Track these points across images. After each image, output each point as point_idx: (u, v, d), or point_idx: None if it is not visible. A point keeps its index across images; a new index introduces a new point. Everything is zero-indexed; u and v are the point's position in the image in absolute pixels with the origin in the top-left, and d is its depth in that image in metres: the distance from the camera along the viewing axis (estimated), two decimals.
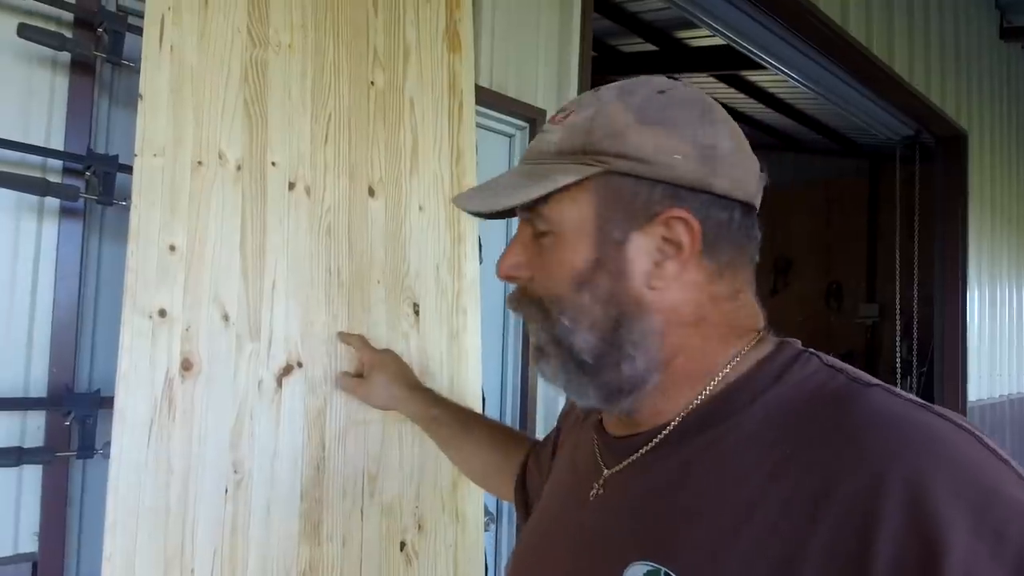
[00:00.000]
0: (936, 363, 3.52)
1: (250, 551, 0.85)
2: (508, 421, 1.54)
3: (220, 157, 0.89)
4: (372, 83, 1.08)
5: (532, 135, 1.54)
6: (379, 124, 1.07)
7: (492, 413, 1.53)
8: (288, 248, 0.93)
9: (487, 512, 1.49)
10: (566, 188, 0.49)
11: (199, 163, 0.88)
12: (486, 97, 1.41)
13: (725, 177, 0.48)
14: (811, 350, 0.50)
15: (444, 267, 1.14)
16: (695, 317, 0.49)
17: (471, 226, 1.20)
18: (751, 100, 5.75)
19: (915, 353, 4.08)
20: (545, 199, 0.50)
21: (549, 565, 0.55)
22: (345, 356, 0.98)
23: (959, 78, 3.57)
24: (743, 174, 0.49)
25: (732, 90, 6.22)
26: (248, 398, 0.87)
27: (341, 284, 0.98)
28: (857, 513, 0.38)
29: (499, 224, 1.52)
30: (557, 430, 0.74)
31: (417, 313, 1.08)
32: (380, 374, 0.94)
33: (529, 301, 0.53)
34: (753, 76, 5.28)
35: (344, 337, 0.97)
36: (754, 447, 0.45)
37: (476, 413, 1.02)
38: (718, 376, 0.49)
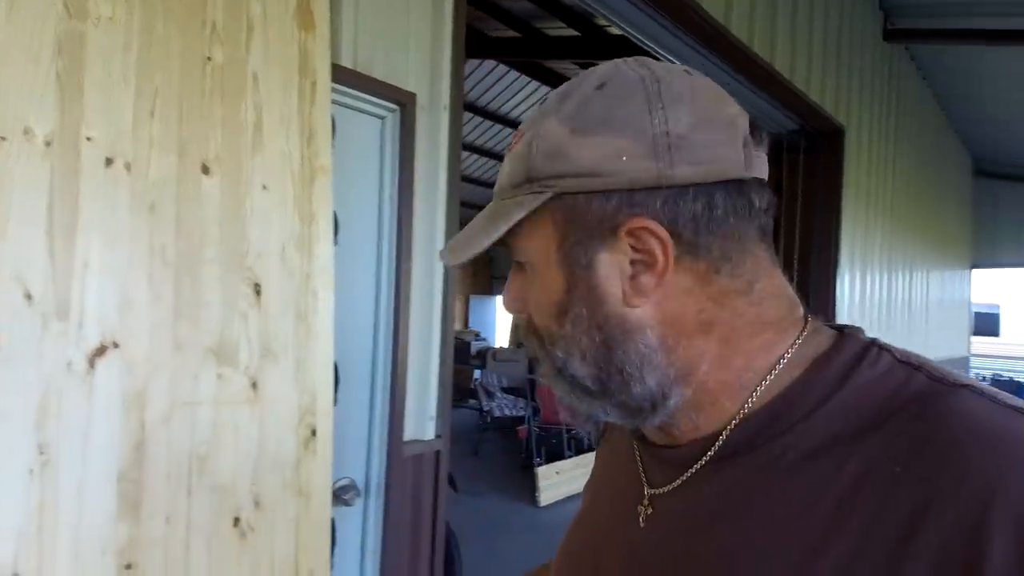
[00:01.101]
0: None
1: (59, 530, 0.85)
2: (379, 396, 1.57)
3: (26, 132, 0.86)
4: (209, 58, 1.06)
5: (404, 118, 1.55)
6: (216, 100, 1.06)
7: (362, 388, 1.55)
8: (104, 225, 0.91)
9: (354, 486, 1.53)
10: (525, 221, 0.45)
11: (2, 139, 0.84)
12: (350, 78, 1.40)
13: (687, 163, 0.41)
14: (879, 341, 0.43)
15: (292, 247, 1.14)
16: (700, 324, 0.44)
17: (324, 206, 1.20)
18: None
19: None
20: (511, 234, 0.47)
21: None
22: (168, 335, 0.97)
23: (839, 76, 3.82)
24: (711, 151, 0.42)
25: None
26: (55, 379, 0.85)
27: (167, 263, 0.97)
28: (958, 546, 0.33)
29: (364, 205, 1.53)
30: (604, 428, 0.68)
31: (259, 294, 1.08)
32: None
33: (531, 333, 0.50)
34: None
35: None
36: (820, 465, 0.39)
37: None
38: (765, 381, 0.43)
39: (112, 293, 0.91)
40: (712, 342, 0.44)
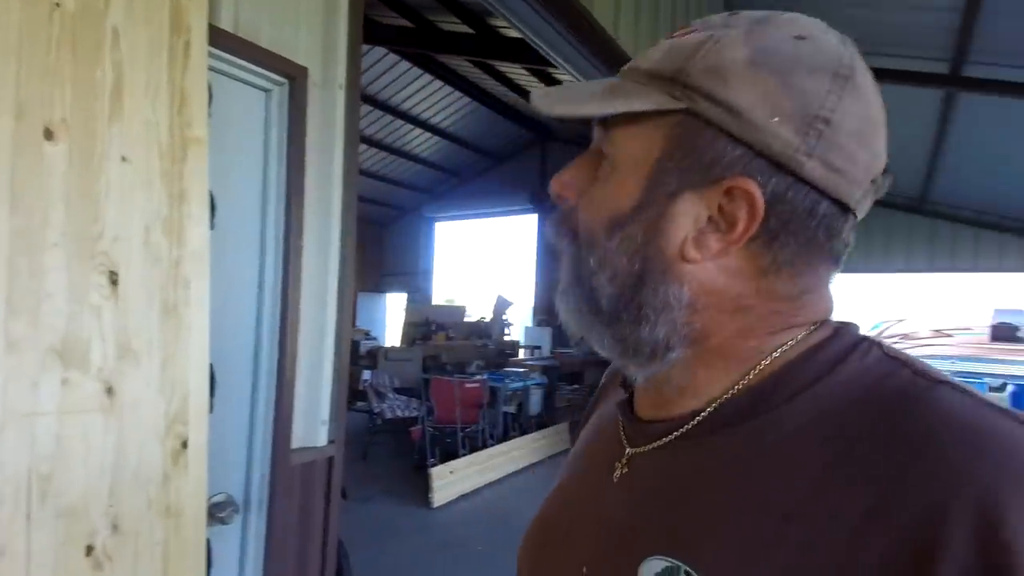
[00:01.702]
0: None
1: None
2: (262, 400, 1.42)
3: None
4: (58, 4, 0.89)
5: (294, 93, 1.41)
6: (65, 55, 0.89)
7: (242, 392, 1.40)
8: None
9: (232, 502, 1.37)
10: (638, 115, 0.42)
11: None
12: (230, 42, 1.26)
13: (822, 161, 0.39)
14: (872, 337, 0.43)
15: (158, 230, 0.99)
16: (734, 306, 0.43)
17: (197, 183, 1.06)
18: None
19: None
20: (616, 120, 0.43)
21: (568, 546, 0.49)
22: (0, 328, 0.80)
23: None
24: (849, 166, 0.40)
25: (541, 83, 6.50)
26: None
27: None
28: (917, 537, 0.33)
29: (245, 185, 1.38)
30: (595, 402, 0.65)
31: (115, 283, 0.93)
32: None
33: (567, 230, 0.46)
34: (559, 73, 5.56)
35: None
36: (800, 445, 0.39)
37: None
38: (764, 362, 0.43)
39: None
40: (735, 323, 0.43)
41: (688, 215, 0.42)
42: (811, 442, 0.39)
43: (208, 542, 1.08)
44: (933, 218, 8.92)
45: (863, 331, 0.44)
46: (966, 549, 0.32)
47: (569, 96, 0.45)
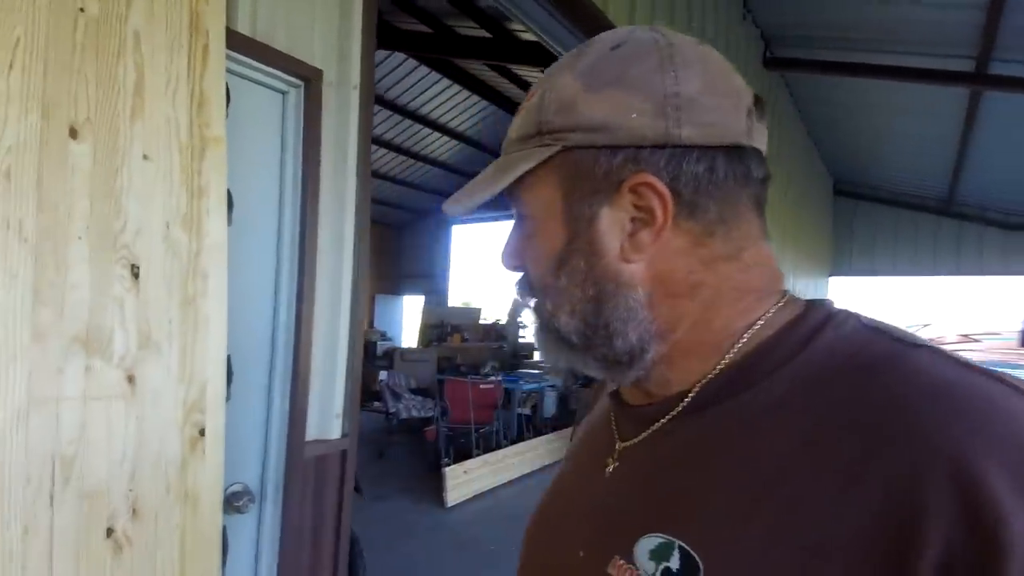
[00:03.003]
0: None
1: None
2: (278, 392, 1.46)
3: None
4: (82, 9, 0.93)
5: (309, 95, 1.45)
6: (88, 57, 0.93)
7: (259, 383, 1.44)
8: None
9: (248, 492, 1.41)
10: (530, 172, 0.46)
11: None
12: (248, 46, 1.30)
13: (693, 125, 0.43)
14: (849, 310, 0.45)
15: (177, 225, 1.03)
16: (688, 285, 0.45)
17: (216, 180, 1.09)
18: None
19: None
20: (519, 187, 0.47)
21: (565, 536, 0.51)
22: (25, 322, 0.84)
23: None
24: (718, 116, 0.43)
25: None
26: None
27: (24, 239, 0.84)
28: (900, 496, 0.34)
29: (263, 183, 1.42)
30: (589, 407, 0.69)
31: (136, 276, 0.97)
32: None
33: (527, 289, 0.50)
34: None
35: None
36: (780, 416, 0.40)
37: None
38: (739, 343, 0.45)
39: None
40: (696, 303, 0.45)
41: (614, 227, 0.45)
42: (792, 411, 0.40)
43: (224, 529, 1.11)
44: (960, 220, 8.71)
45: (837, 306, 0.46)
46: (949, 506, 0.32)
47: (468, 190, 0.50)
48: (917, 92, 4.76)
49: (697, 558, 0.40)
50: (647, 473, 0.47)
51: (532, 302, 0.50)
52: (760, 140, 0.46)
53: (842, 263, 9.57)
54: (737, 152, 0.44)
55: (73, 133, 0.90)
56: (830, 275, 9.43)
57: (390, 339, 10.73)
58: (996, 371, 0.37)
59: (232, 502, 1.34)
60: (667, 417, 0.46)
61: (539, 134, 0.46)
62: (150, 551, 0.95)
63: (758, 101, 0.46)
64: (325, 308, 1.53)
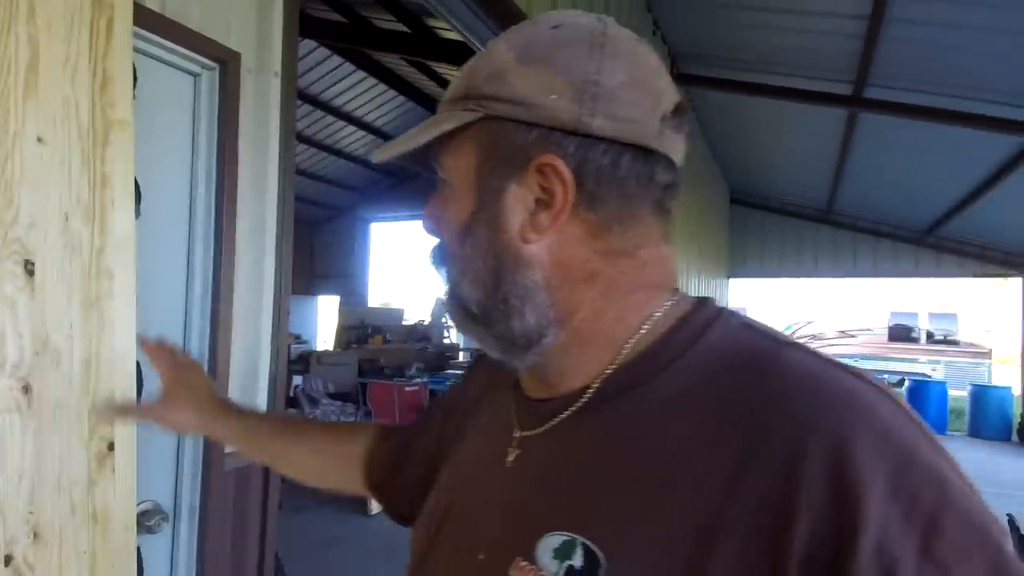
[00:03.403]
0: None
1: None
2: None
3: None
4: None
5: (225, 79, 1.35)
6: None
7: None
8: None
9: (160, 510, 1.29)
10: (451, 136, 0.46)
11: None
12: (158, 23, 1.19)
13: (606, 116, 0.43)
14: (730, 308, 0.48)
15: (78, 217, 0.92)
16: (585, 273, 0.46)
17: (121, 168, 0.99)
18: None
19: None
20: (440, 148, 0.48)
21: (464, 533, 0.50)
22: None
23: None
24: (632, 113, 0.44)
25: None
26: None
27: None
28: (779, 481, 0.37)
29: (172, 173, 1.31)
30: (462, 391, 0.67)
31: (31, 274, 0.86)
32: (186, 393, 0.80)
33: (440, 256, 0.50)
34: None
35: (143, 342, 0.83)
36: (672, 412, 0.42)
37: (298, 418, 0.91)
38: (633, 339, 0.46)
39: None
40: (593, 292, 0.46)
41: (518, 203, 0.45)
42: (685, 405, 0.42)
43: (139, 551, 1.01)
44: (837, 228, 9.64)
45: (721, 304, 0.49)
46: (820, 486, 0.35)
47: (397, 141, 0.50)
48: (800, 112, 5.19)
49: (599, 554, 0.40)
50: (548, 470, 0.47)
51: (439, 267, 0.51)
52: (672, 148, 0.47)
53: (738, 266, 10.42)
54: (645, 154, 0.45)
55: None
56: (728, 276, 10.20)
57: (305, 342, 10.31)
58: (854, 367, 0.41)
59: (142, 522, 1.23)
60: (567, 412, 0.47)
61: (466, 98, 0.47)
62: None
63: (680, 109, 0.47)
64: (244, 312, 1.43)
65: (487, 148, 0.46)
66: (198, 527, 1.36)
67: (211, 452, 1.36)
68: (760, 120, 6.03)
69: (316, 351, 8.52)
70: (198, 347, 1.35)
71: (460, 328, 0.50)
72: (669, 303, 0.48)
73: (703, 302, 0.48)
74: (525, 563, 0.43)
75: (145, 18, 1.13)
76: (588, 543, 0.41)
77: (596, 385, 0.46)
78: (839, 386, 0.39)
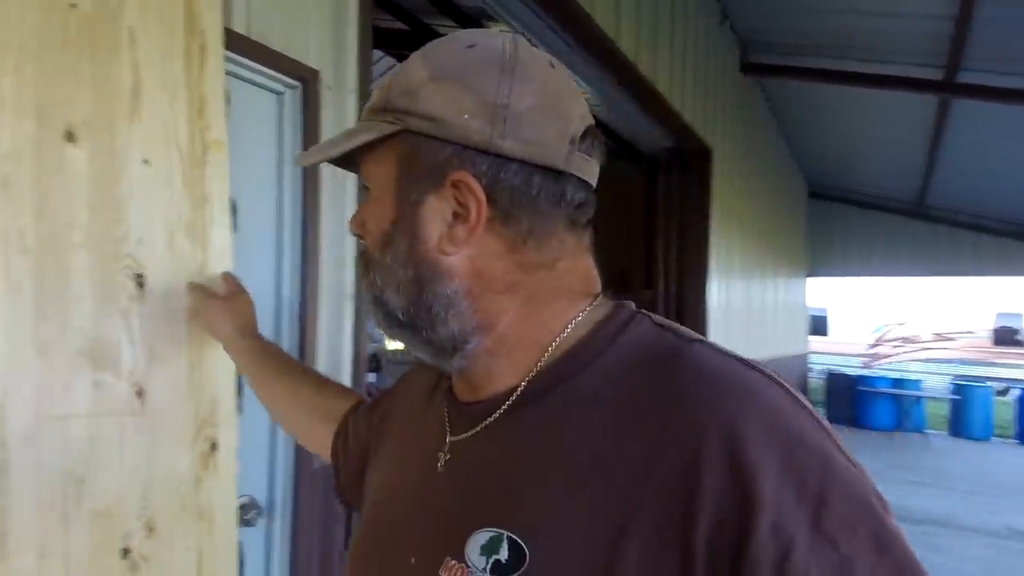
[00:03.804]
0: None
1: None
2: None
3: None
4: (72, 5, 0.89)
5: (306, 96, 1.42)
6: (83, 55, 0.89)
7: None
8: None
9: (255, 505, 1.37)
10: (373, 146, 0.48)
11: None
12: (243, 45, 1.26)
13: (515, 139, 0.45)
14: (643, 311, 0.50)
15: (181, 233, 0.99)
16: (505, 285, 0.48)
17: (219, 188, 1.05)
18: None
19: None
20: (364, 157, 0.50)
21: (397, 541, 0.52)
22: (28, 337, 0.80)
23: (706, 102, 4.11)
24: (540, 136, 0.46)
25: None
26: None
27: (26, 250, 0.80)
28: (685, 469, 0.39)
29: (260, 188, 1.38)
30: (390, 397, 0.70)
31: (142, 286, 0.92)
32: (232, 310, 0.91)
33: (362, 258, 0.52)
34: None
35: (223, 275, 0.97)
36: (592, 409, 0.44)
37: (309, 367, 1.10)
38: (556, 341, 0.48)
39: None
40: (515, 301, 0.48)
41: (435, 216, 0.47)
42: (602, 403, 0.44)
43: (240, 545, 1.07)
44: (933, 222, 8.94)
45: (642, 309, 0.51)
46: (719, 473, 0.38)
47: (320, 147, 0.52)
48: (887, 99, 4.88)
49: (524, 547, 0.42)
50: (477, 470, 0.49)
51: (361, 273, 0.52)
52: (584, 169, 0.48)
53: (818, 264, 9.79)
54: (555, 175, 0.47)
55: (69, 137, 0.86)
56: (807, 276, 9.63)
57: (377, 340, 10.59)
58: (751, 360, 0.43)
59: (241, 515, 1.30)
60: (495, 414, 0.49)
61: (384, 110, 0.48)
62: (167, 570, 0.91)
63: (589, 134, 0.48)
64: (328, 318, 1.49)
65: (406, 160, 0.47)
66: (291, 521, 1.43)
67: (301, 451, 1.42)
68: (839, 108, 5.70)
69: (387, 349, 8.76)
70: (288, 347, 1.42)
71: (388, 333, 0.52)
72: (589, 308, 0.49)
73: (620, 306, 0.50)
74: (454, 562, 0.44)
75: (232, 41, 1.20)
76: (514, 536, 0.42)
77: (522, 386, 0.48)
78: (734, 376, 0.42)
